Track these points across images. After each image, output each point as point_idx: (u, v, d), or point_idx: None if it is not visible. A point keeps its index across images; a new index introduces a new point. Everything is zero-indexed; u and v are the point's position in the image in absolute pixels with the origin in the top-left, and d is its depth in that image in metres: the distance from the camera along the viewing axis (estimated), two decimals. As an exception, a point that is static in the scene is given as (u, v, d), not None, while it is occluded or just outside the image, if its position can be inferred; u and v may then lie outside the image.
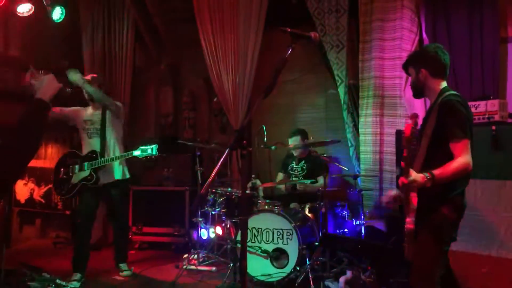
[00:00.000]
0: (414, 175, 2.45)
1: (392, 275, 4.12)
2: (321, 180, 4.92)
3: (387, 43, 5.09)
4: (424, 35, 5.02)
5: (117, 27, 6.78)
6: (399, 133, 4.48)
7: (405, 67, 2.96)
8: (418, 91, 2.90)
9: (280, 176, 5.37)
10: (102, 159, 4.51)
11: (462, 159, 2.49)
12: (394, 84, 5.04)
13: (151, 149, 4.44)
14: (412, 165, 2.53)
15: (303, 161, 5.20)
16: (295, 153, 5.25)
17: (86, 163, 4.53)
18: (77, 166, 4.57)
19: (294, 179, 5.13)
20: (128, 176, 4.80)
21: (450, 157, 2.53)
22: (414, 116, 2.52)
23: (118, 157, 4.53)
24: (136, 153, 4.45)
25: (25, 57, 6.28)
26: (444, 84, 2.81)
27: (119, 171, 4.67)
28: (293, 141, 5.17)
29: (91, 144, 4.61)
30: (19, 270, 4.12)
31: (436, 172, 2.46)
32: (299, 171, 5.19)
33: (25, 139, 1.97)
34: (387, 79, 5.09)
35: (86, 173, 4.51)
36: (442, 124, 2.57)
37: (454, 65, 4.76)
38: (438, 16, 4.93)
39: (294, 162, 5.26)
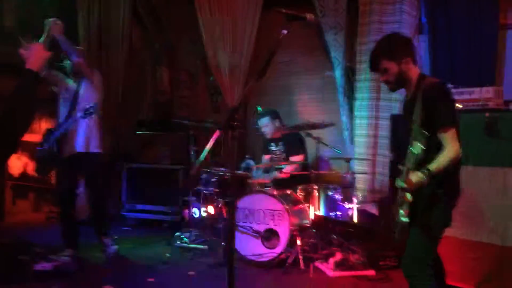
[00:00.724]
0: (415, 178, 2.36)
1: (382, 258, 4.18)
2: (295, 158, 4.92)
3: (386, 26, 5.04)
4: (423, 20, 4.99)
5: (114, 5, 6.66)
6: (394, 118, 4.48)
7: (378, 62, 2.62)
8: (402, 83, 2.64)
9: (264, 159, 5.35)
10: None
11: (455, 147, 2.41)
12: (391, 69, 5.00)
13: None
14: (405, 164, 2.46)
15: (281, 142, 5.16)
16: (267, 136, 5.21)
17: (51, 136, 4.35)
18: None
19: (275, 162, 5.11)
20: (95, 150, 4.51)
21: (440, 146, 2.42)
22: None
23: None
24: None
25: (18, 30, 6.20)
26: (418, 70, 2.66)
27: (81, 143, 4.44)
28: (262, 123, 5.13)
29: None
30: (11, 243, 4.14)
31: (433, 167, 2.36)
32: (278, 154, 5.17)
33: (18, 111, 1.95)
34: (385, 63, 5.04)
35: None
36: (431, 111, 2.42)
37: (451, 50, 4.73)
38: (438, 1, 4.88)
39: (273, 144, 5.22)
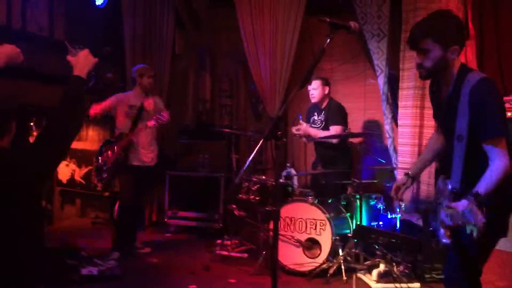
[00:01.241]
0: (461, 208, 1.80)
1: (427, 270, 4.06)
2: (334, 128, 4.80)
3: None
4: (470, 25, 4.85)
5: (157, 12, 6.84)
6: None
7: (419, 40, 2.22)
8: (435, 73, 2.28)
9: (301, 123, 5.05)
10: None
11: (504, 161, 2.04)
12: (437, 75, 4.89)
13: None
14: (449, 176, 2.14)
15: (323, 112, 5.01)
16: (313, 100, 5.03)
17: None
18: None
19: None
20: (155, 162, 5.07)
21: (486, 157, 2.09)
22: None
23: None
24: None
25: (69, 41, 6.43)
26: (460, 61, 2.29)
27: (151, 157, 5.04)
28: (312, 86, 4.95)
29: None
30: (59, 248, 4.28)
31: (481, 189, 1.92)
32: (318, 124, 5.02)
33: (66, 118, 1.97)
34: (429, 69, 4.93)
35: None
36: (477, 121, 2.10)
37: (500, 57, 4.58)
38: (486, 5, 4.74)
39: (316, 112, 5.08)
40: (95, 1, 5.95)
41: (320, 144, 5.11)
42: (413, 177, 2.67)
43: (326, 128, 4.90)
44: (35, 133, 5.91)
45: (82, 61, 2.18)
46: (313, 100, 5.02)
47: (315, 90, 4.95)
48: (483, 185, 1.98)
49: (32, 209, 1.91)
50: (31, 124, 5.83)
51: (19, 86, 5.68)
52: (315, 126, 5.02)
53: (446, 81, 2.30)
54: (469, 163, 2.12)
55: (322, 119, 4.97)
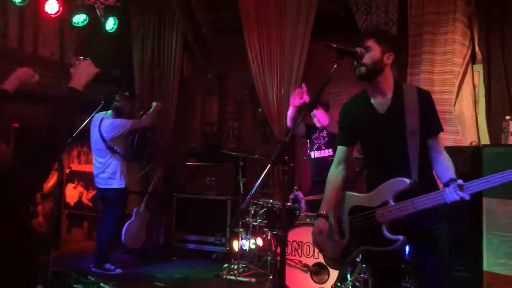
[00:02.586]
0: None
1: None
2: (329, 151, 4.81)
3: (437, 56, 4.96)
4: (477, 49, 4.88)
5: (166, 36, 6.95)
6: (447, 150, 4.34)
7: (364, 38, 2.47)
8: (372, 74, 2.45)
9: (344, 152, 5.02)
10: None
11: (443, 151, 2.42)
12: (444, 99, 4.89)
13: None
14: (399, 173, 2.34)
15: (324, 130, 4.93)
16: (318, 125, 4.92)
17: None
18: None
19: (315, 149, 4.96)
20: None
21: (427, 156, 2.40)
22: None
23: None
24: None
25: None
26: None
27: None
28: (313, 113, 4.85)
29: None
30: (66, 272, 4.26)
31: (454, 176, 2.25)
32: (321, 140, 4.96)
33: (56, 129, 1.90)
34: (436, 93, 4.94)
35: None
36: (427, 120, 2.38)
37: (507, 81, 4.59)
38: (492, 30, 4.77)
39: (318, 129, 4.99)
40: (105, 26, 6.05)
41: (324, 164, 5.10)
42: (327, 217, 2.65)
43: (329, 142, 4.91)
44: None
45: (80, 72, 2.09)
46: (319, 125, 5.00)
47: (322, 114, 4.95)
48: (453, 172, 2.28)
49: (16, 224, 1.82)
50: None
51: (27, 109, 5.76)
52: (317, 142, 5.02)
53: (380, 91, 2.50)
54: (421, 156, 2.38)
55: (325, 134, 4.98)
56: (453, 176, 2.25)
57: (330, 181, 2.68)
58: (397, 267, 2.61)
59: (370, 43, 2.44)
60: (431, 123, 2.41)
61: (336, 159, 2.71)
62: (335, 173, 2.69)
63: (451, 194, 2.15)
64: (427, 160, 2.40)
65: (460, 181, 2.17)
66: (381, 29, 2.58)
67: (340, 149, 2.70)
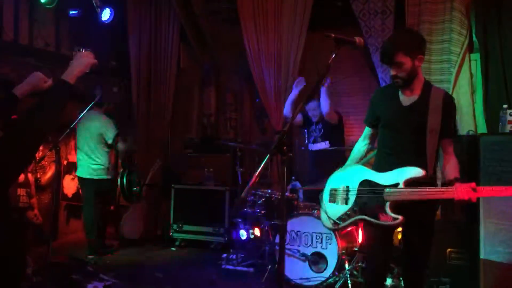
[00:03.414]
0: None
1: (435, 284, 4.02)
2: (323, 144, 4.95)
3: (434, 45, 4.94)
4: (474, 38, 4.87)
5: (163, 28, 6.91)
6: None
7: (394, 55, 2.60)
8: (409, 82, 2.67)
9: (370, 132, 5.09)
10: None
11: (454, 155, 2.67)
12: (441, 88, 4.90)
13: None
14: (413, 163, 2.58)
15: (320, 124, 5.03)
16: (313, 118, 5.04)
17: None
18: None
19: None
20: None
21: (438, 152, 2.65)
22: None
23: None
24: None
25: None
26: None
27: None
28: (311, 107, 4.88)
29: None
30: (65, 262, 4.27)
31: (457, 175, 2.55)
32: (317, 132, 5.03)
33: (40, 119, 1.88)
34: (434, 82, 4.87)
35: None
36: (447, 122, 2.60)
37: (504, 70, 4.59)
38: (490, 19, 4.76)
39: (313, 126, 5.09)
40: (101, 17, 6.01)
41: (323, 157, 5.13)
42: None
43: (325, 134, 4.96)
44: (41, 148, 5.93)
45: (75, 63, 2.04)
46: (314, 119, 5.03)
47: (314, 110, 4.96)
48: (459, 172, 2.55)
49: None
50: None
51: (27, 101, 5.74)
52: (313, 135, 5.03)
53: (411, 89, 2.69)
54: (436, 153, 2.64)
55: (320, 126, 4.99)
56: (458, 175, 2.52)
57: (353, 152, 3.01)
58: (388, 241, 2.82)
59: (399, 58, 2.58)
60: (450, 126, 2.64)
61: (362, 135, 3.01)
62: (359, 146, 3.00)
63: (462, 193, 2.35)
64: (438, 158, 2.66)
65: (473, 184, 2.36)
66: (403, 36, 2.72)
67: (366, 128, 2.99)
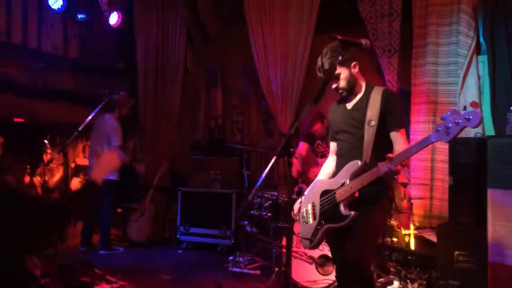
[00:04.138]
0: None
1: (442, 287, 4.00)
2: None
3: (441, 48, 4.93)
4: (482, 40, 4.85)
5: (169, 29, 6.95)
6: (453, 141, 4.32)
7: (331, 70, 2.71)
8: (352, 89, 2.81)
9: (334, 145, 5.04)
10: None
11: (407, 145, 2.65)
12: (449, 90, 4.88)
13: None
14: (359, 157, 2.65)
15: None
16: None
17: None
18: None
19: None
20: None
21: (391, 145, 2.69)
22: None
23: None
24: None
25: (82, 59, 6.58)
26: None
27: None
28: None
29: None
30: (73, 265, 4.28)
31: (402, 157, 2.51)
32: (323, 147, 4.88)
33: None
34: (441, 85, 4.93)
35: None
36: (387, 113, 2.66)
37: (512, 71, 4.57)
38: (497, 21, 4.74)
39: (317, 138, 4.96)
40: (108, 19, 6.05)
41: None
42: None
43: None
44: (49, 151, 5.97)
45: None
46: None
47: None
48: (399, 157, 2.48)
49: None
50: (45, 141, 5.90)
51: (34, 104, 5.80)
52: (320, 150, 4.98)
53: (355, 94, 2.82)
54: (377, 143, 2.65)
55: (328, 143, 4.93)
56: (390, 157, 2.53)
57: (322, 168, 3.08)
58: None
59: (337, 70, 2.74)
60: (392, 118, 2.69)
61: (330, 151, 3.11)
62: (328, 162, 3.09)
63: (382, 167, 2.45)
64: (384, 147, 2.66)
65: (390, 155, 2.49)
66: (332, 53, 2.70)
67: (331, 143, 3.08)
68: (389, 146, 2.71)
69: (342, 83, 2.77)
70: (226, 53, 7.03)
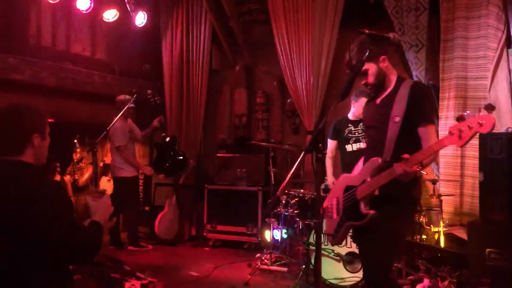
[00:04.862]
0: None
1: (473, 285, 3.93)
2: None
3: (470, 41, 4.83)
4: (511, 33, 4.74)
5: (194, 30, 7.00)
6: (483, 137, 4.24)
7: (359, 66, 2.58)
8: (381, 85, 2.69)
9: (331, 143, 4.85)
10: None
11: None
12: (478, 85, 4.78)
13: None
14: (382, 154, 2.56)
15: (361, 123, 4.61)
16: (351, 117, 4.74)
17: None
18: None
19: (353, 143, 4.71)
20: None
21: (418, 142, 2.53)
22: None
23: None
24: None
25: (110, 60, 6.68)
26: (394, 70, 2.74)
27: None
28: (359, 101, 4.59)
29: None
30: (103, 262, 4.36)
31: (418, 158, 2.37)
32: (360, 132, 4.66)
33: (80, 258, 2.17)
34: (470, 79, 4.83)
35: None
36: (414, 109, 2.52)
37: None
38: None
39: (351, 125, 4.74)
40: (135, 20, 6.13)
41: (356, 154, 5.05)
42: None
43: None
44: (78, 150, 6.09)
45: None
46: (352, 118, 4.79)
47: (360, 106, 4.78)
48: (421, 155, 2.35)
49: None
50: (75, 141, 6.02)
51: (60, 104, 5.91)
52: (352, 136, 4.88)
53: (385, 88, 2.70)
54: (400, 140, 2.53)
55: (360, 131, 4.83)
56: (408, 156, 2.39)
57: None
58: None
59: (365, 65, 2.61)
60: (420, 112, 2.54)
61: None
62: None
63: (397, 168, 2.35)
64: (411, 145, 2.50)
65: (405, 155, 2.35)
66: (359, 47, 2.63)
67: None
68: (417, 144, 2.54)
69: (371, 79, 2.67)
70: (251, 52, 7.04)
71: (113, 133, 5.65)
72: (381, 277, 2.55)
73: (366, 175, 2.58)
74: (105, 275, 4.09)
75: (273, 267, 4.90)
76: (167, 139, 6.20)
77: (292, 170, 2.07)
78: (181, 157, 6.26)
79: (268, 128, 6.88)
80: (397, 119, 2.53)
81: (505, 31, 4.72)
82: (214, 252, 5.91)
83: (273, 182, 5.35)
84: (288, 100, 6.49)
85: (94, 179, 5.78)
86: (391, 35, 2.37)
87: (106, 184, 6.67)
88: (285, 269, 4.88)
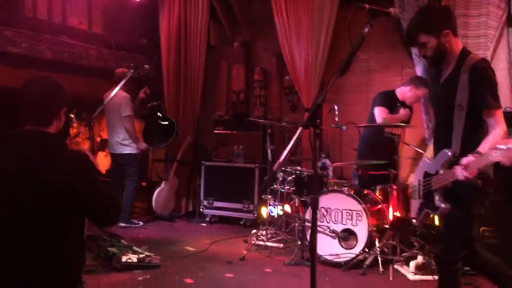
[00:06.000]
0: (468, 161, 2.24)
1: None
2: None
3: (471, 19, 4.78)
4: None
5: (192, 4, 6.90)
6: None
7: (415, 36, 2.54)
8: (440, 59, 2.57)
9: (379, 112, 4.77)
10: None
11: (504, 127, 2.40)
12: (478, 64, 4.75)
13: None
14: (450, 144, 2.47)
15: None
16: (404, 99, 4.83)
17: None
18: None
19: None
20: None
21: (483, 127, 2.45)
22: None
23: None
24: None
25: (106, 34, 6.60)
26: (460, 43, 2.59)
27: None
28: (418, 94, 4.80)
29: None
30: (100, 236, 4.38)
31: (484, 149, 2.25)
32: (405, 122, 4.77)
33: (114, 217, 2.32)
34: (470, 58, 4.80)
35: None
36: (476, 96, 2.41)
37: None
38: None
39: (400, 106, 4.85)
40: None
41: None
42: None
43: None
44: (75, 125, 6.05)
45: None
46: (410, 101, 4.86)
47: (419, 96, 4.82)
48: (486, 146, 2.28)
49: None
50: (72, 115, 5.97)
51: (61, 79, 5.85)
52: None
53: (447, 63, 2.58)
54: (468, 130, 2.44)
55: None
56: (480, 149, 2.28)
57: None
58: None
59: (421, 39, 2.53)
60: (481, 98, 2.42)
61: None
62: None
63: (457, 173, 2.29)
64: (476, 133, 2.45)
65: (464, 160, 2.24)
66: (421, 18, 2.59)
67: None
68: (486, 131, 2.45)
69: (429, 52, 2.55)
70: (250, 28, 6.96)
71: (123, 102, 5.63)
72: (455, 256, 2.60)
73: (439, 166, 2.50)
74: (102, 248, 4.13)
75: (269, 243, 4.95)
76: (150, 105, 6.27)
77: (289, 146, 2.05)
78: (167, 122, 6.31)
79: (265, 105, 6.85)
80: (462, 107, 2.44)
81: (506, 9, 4.67)
82: (211, 228, 5.95)
83: (270, 159, 5.36)
84: (286, 77, 6.45)
85: (91, 154, 5.75)
86: (391, 10, 2.32)
87: (103, 159, 6.67)
88: (280, 245, 4.92)
